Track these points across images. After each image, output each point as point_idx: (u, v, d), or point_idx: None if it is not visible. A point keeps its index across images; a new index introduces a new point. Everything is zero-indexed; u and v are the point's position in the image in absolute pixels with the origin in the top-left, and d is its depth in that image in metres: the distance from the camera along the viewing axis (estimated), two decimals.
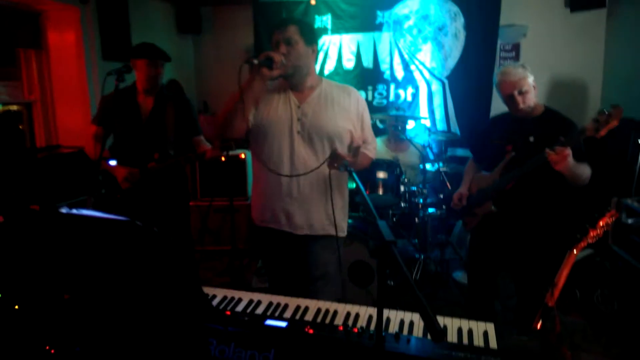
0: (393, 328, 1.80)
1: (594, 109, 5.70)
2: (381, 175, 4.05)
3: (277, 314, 1.93)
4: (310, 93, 2.56)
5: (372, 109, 5.84)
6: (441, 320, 1.83)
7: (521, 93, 2.79)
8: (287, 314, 1.93)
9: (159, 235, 1.42)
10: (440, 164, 4.63)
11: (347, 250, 3.71)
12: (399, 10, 5.93)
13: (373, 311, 1.91)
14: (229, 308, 1.97)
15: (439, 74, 5.99)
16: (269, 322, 1.79)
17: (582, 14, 5.59)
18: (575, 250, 2.31)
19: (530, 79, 2.80)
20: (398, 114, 4.66)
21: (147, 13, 5.94)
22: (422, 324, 1.79)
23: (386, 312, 1.87)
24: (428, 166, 4.61)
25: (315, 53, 2.57)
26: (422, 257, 4.48)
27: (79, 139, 4.83)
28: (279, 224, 2.61)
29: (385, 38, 6.01)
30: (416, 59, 6.01)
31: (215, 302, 2.01)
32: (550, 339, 2.19)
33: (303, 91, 2.57)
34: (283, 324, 1.77)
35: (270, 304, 2.00)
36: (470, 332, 1.76)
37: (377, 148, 2.85)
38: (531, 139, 2.82)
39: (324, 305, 1.99)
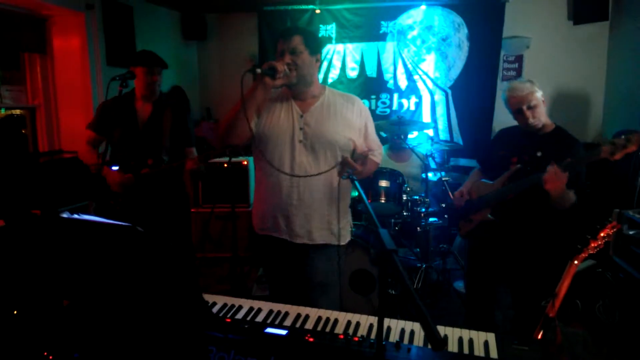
0: (394, 337, 1.79)
1: (597, 121, 5.73)
2: (383, 183, 4.05)
3: (277, 321, 1.92)
4: (313, 102, 2.56)
5: (375, 117, 5.81)
6: (442, 329, 1.82)
7: (530, 108, 2.78)
8: (288, 322, 1.92)
9: (159, 242, 1.42)
10: (443, 174, 4.63)
11: (349, 258, 3.71)
12: (403, 20, 5.96)
13: (374, 320, 1.91)
14: (229, 315, 1.96)
15: (442, 84, 6.00)
16: (269, 330, 1.78)
17: (585, 27, 5.62)
18: (576, 260, 2.30)
19: (539, 94, 2.79)
20: (400, 123, 4.66)
21: (153, 19, 5.98)
22: (422, 333, 1.78)
23: (387, 321, 1.86)
24: (430, 175, 4.61)
25: (319, 62, 2.58)
26: (424, 266, 4.47)
27: (81, 144, 4.85)
28: (278, 232, 2.60)
29: (389, 48, 6.04)
30: (420, 68, 6.03)
31: (215, 310, 2.00)
32: (551, 349, 2.18)
33: (306, 100, 2.57)
34: (283, 332, 1.76)
35: (271, 311, 1.99)
36: (471, 341, 1.76)
37: (382, 155, 2.86)
38: (539, 153, 2.81)
39: (324, 313, 1.98)
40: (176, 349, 1.58)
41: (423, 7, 5.85)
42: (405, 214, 4.27)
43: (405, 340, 1.77)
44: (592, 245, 2.30)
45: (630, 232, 3.43)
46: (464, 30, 5.82)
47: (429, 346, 1.66)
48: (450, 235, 5.05)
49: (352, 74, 6.19)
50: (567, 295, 2.29)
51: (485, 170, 3.26)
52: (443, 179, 4.54)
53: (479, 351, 1.70)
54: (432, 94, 6.06)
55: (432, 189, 4.66)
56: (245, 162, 5.40)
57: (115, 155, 3.47)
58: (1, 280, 1.73)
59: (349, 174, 2.18)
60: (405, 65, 6.06)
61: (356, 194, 1.99)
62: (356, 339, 1.69)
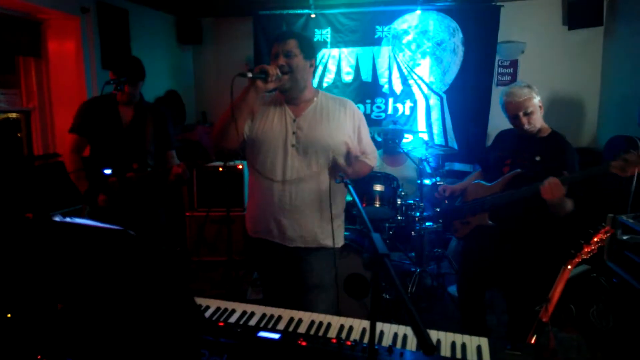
0: (387, 341, 1.79)
1: (591, 126, 5.76)
2: (378, 188, 4.05)
3: (270, 325, 1.91)
4: (306, 106, 2.57)
5: (370, 122, 5.86)
6: (435, 334, 1.82)
7: (526, 114, 2.79)
8: (281, 325, 1.92)
9: (150, 246, 1.42)
10: (438, 178, 4.64)
11: (343, 262, 3.71)
12: (398, 25, 5.97)
13: (367, 324, 1.90)
14: (222, 319, 1.95)
15: (437, 88, 6.02)
16: (262, 333, 1.77)
17: (579, 32, 5.65)
18: (569, 265, 2.31)
19: (536, 100, 2.80)
20: (395, 128, 4.68)
21: (148, 23, 5.98)
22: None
23: (380, 325, 1.86)
24: (426, 180, 4.62)
25: (313, 67, 2.59)
26: (418, 270, 4.47)
27: (66, 152, 4.84)
28: (271, 236, 2.61)
29: (384, 52, 6.06)
30: (414, 73, 6.05)
31: (208, 313, 2.00)
32: (545, 354, 2.18)
33: (299, 104, 2.58)
34: (276, 335, 1.76)
35: (264, 315, 1.99)
36: (463, 346, 1.76)
37: (377, 159, 2.86)
38: (537, 158, 2.82)
39: (317, 317, 1.98)
40: (168, 353, 1.57)
41: (418, 11, 5.87)
42: (399, 218, 4.28)
43: (399, 345, 1.77)
44: (586, 250, 2.31)
45: (624, 237, 3.44)
46: (459, 35, 5.85)
47: None
48: (444, 239, 5.06)
49: (347, 78, 6.20)
50: (561, 300, 2.30)
51: (485, 174, 3.27)
52: (438, 183, 4.54)
53: (471, 356, 1.70)
54: (427, 99, 6.07)
55: (426, 193, 4.66)
56: (240, 166, 5.39)
57: (97, 158, 3.45)
58: None
59: (342, 178, 2.18)
60: (400, 69, 6.07)
61: (350, 198, 1.99)
62: (349, 343, 1.68)
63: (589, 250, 2.32)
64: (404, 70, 6.06)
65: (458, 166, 6.01)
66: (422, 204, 4.38)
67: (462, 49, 5.86)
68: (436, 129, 6.10)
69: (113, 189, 3.32)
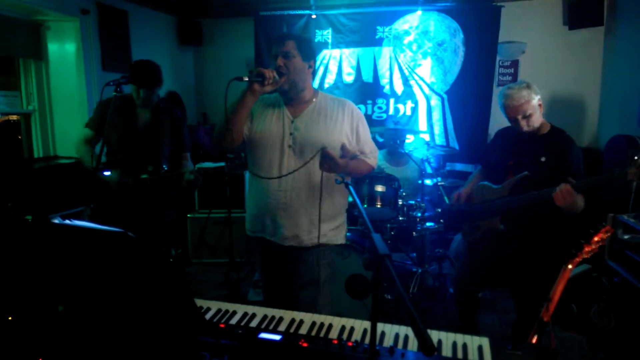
0: (388, 342, 1.79)
1: (592, 126, 5.76)
2: (379, 188, 4.04)
3: (271, 327, 1.91)
4: (305, 107, 2.59)
5: (372, 122, 5.86)
6: (436, 334, 1.82)
7: (525, 117, 2.77)
8: (282, 327, 1.91)
9: (151, 248, 1.42)
10: (439, 179, 4.63)
11: (345, 262, 3.71)
12: (399, 25, 5.97)
13: (368, 325, 1.90)
14: (223, 321, 1.95)
15: (438, 89, 6.02)
16: (263, 335, 1.77)
17: (580, 32, 5.64)
18: (570, 265, 2.31)
19: (535, 100, 2.76)
20: (396, 128, 4.67)
21: (148, 24, 5.98)
22: None
23: (381, 326, 1.86)
24: (427, 181, 4.61)
25: (313, 69, 2.59)
26: (420, 271, 4.46)
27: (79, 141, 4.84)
28: (267, 234, 2.64)
29: (385, 53, 6.05)
30: (415, 73, 6.04)
31: (209, 315, 2.00)
32: (546, 354, 2.18)
33: (298, 105, 2.59)
34: (277, 337, 1.76)
35: (265, 317, 1.99)
36: (464, 346, 1.75)
37: (377, 159, 2.85)
38: (543, 159, 2.81)
39: (319, 318, 1.98)
40: (169, 355, 1.57)
41: (419, 12, 5.86)
42: (401, 218, 4.27)
43: (400, 345, 1.76)
44: (587, 249, 2.31)
45: (625, 237, 3.43)
46: (460, 36, 5.84)
47: None
48: (446, 240, 5.05)
49: (349, 79, 6.19)
50: (563, 300, 2.29)
51: (487, 173, 3.25)
52: (439, 183, 4.54)
53: (472, 356, 1.70)
54: (428, 99, 6.07)
55: (428, 193, 4.66)
56: None
57: (112, 158, 3.47)
58: None
59: (343, 179, 2.18)
60: (401, 70, 6.07)
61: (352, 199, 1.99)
62: (350, 343, 1.68)
63: (590, 249, 2.32)
64: (405, 71, 6.05)
65: (459, 166, 6.01)
66: (423, 204, 4.37)
67: (462, 49, 5.86)
68: (437, 129, 6.10)
69: (120, 190, 3.34)
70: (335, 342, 1.71)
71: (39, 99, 4.92)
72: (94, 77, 4.99)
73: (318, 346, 1.70)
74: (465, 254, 3.40)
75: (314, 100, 2.61)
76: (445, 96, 6.02)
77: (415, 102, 6.10)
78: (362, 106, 6.10)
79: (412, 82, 6.06)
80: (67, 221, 1.47)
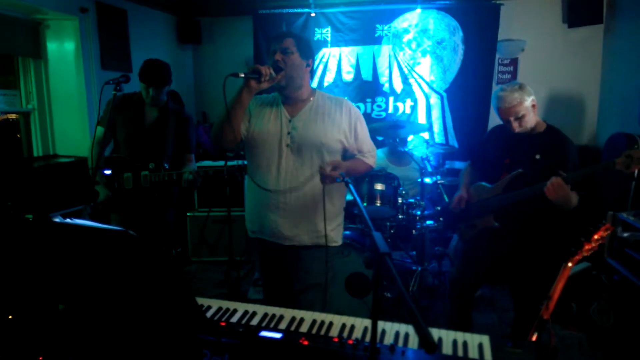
0: (388, 340, 1.79)
1: (591, 124, 5.75)
2: (379, 187, 4.04)
3: (272, 325, 1.91)
4: (302, 106, 2.58)
5: (371, 121, 5.86)
6: (436, 332, 1.82)
7: (517, 118, 2.78)
8: (282, 325, 1.91)
9: (151, 246, 1.42)
10: (438, 177, 4.63)
11: (344, 261, 3.71)
12: (399, 23, 5.96)
13: (369, 323, 1.90)
14: (223, 319, 1.95)
15: (437, 87, 6.02)
16: (264, 333, 1.77)
17: (579, 30, 5.64)
18: (570, 263, 2.31)
19: (528, 101, 2.77)
20: (397, 127, 4.67)
21: (147, 23, 5.97)
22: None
23: (382, 324, 1.86)
24: (426, 179, 4.61)
25: (311, 68, 2.59)
26: (420, 269, 4.46)
27: (76, 148, 4.84)
28: (267, 235, 2.63)
29: (384, 51, 6.05)
30: (415, 72, 6.04)
31: (210, 314, 2.00)
32: (545, 352, 2.18)
33: (296, 104, 2.59)
34: (278, 335, 1.76)
35: (266, 315, 1.99)
36: (465, 344, 1.75)
37: (377, 159, 2.85)
38: (537, 156, 2.81)
39: (319, 316, 1.98)
40: (170, 353, 1.57)
41: (418, 10, 5.85)
42: (400, 217, 4.27)
43: (400, 343, 1.76)
44: (586, 247, 2.31)
45: (625, 235, 3.44)
46: (459, 34, 5.84)
47: None
48: (445, 238, 5.06)
49: (348, 77, 6.19)
50: (562, 298, 2.29)
51: (477, 169, 3.27)
52: (439, 182, 4.55)
53: (473, 354, 1.70)
54: (427, 97, 6.07)
55: (427, 192, 4.66)
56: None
57: (118, 154, 3.51)
58: None
59: (343, 177, 2.18)
60: (400, 68, 6.06)
61: (351, 197, 1.99)
62: (350, 342, 1.68)
63: (590, 247, 2.31)
64: (405, 69, 6.05)
65: (458, 164, 5.99)
66: (422, 202, 4.38)
67: (462, 47, 5.86)
68: (437, 127, 6.10)
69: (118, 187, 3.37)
70: (336, 340, 1.71)
71: (39, 98, 4.92)
72: (93, 76, 4.99)
73: (319, 344, 1.70)
74: (460, 253, 3.41)
75: (311, 99, 2.60)
76: (444, 94, 6.02)
77: (415, 101, 6.10)
78: (361, 104, 6.10)
79: (411, 80, 6.06)
80: (68, 220, 1.47)
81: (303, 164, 2.51)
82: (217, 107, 6.81)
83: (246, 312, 2.02)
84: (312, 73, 2.64)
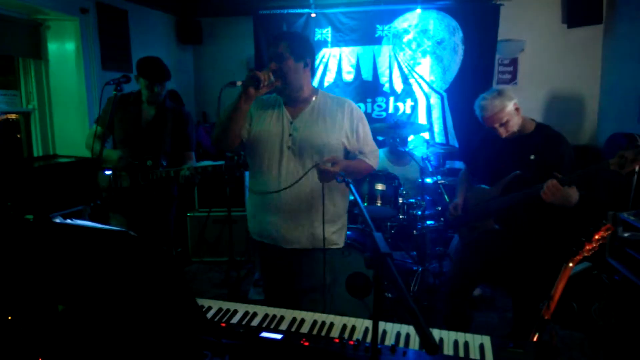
0: (389, 340, 1.79)
1: (591, 124, 5.76)
2: (379, 187, 4.04)
3: (272, 326, 1.91)
4: (304, 107, 2.57)
5: (371, 121, 5.84)
6: (437, 332, 1.82)
7: (502, 124, 2.80)
8: (283, 326, 1.91)
9: (152, 246, 1.42)
10: (439, 177, 4.63)
11: (345, 261, 3.71)
12: (399, 24, 5.96)
13: (369, 323, 1.90)
14: (224, 320, 1.95)
15: (437, 87, 6.02)
16: (265, 334, 1.77)
17: (578, 30, 5.64)
18: (571, 263, 2.31)
19: (510, 106, 2.78)
20: (397, 126, 4.67)
21: (148, 23, 5.98)
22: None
23: (382, 325, 1.86)
24: (427, 179, 4.61)
25: (309, 67, 2.56)
26: (420, 269, 4.46)
27: (76, 148, 4.83)
28: (268, 238, 2.62)
29: (384, 51, 6.04)
30: (415, 72, 6.04)
31: (210, 314, 2.00)
32: (547, 352, 2.18)
33: (297, 106, 2.57)
34: (278, 336, 1.76)
35: (266, 316, 1.99)
36: (466, 344, 1.75)
37: (379, 158, 2.84)
38: (532, 157, 2.81)
39: (320, 317, 1.98)
40: (170, 354, 1.57)
41: (418, 10, 5.85)
42: (401, 217, 4.27)
43: (401, 344, 1.76)
44: (587, 247, 2.31)
45: (625, 235, 3.44)
46: (459, 34, 5.84)
47: None
48: (446, 238, 5.06)
49: (348, 77, 6.19)
50: (563, 298, 2.29)
51: (473, 172, 3.27)
52: (439, 182, 4.55)
53: (474, 354, 1.70)
54: (427, 97, 6.07)
55: (428, 192, 4.66)
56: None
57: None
58: None
59: (343, 177, 2.17)
60: (400, 68, 6.06)
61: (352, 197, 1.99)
62: (352, 342, 1.69)
63: (590, 247, 2.31)
64: (405, 69, 6.05)
65: (459, 164, 5.99)
66: (423, 202, 4.38)
67: (462, 47, 5.85)
68: (437, 127, 6.10)
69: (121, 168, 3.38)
70: (337, 341, 1.71)
71: (39, 98, 4.92)
72: (93, 76, 4.98)
73: (319, 345, 1.70)
74: (459, 253, 3.41)
75: (313, 99, 2.58)
76: (444, 94, 6.02)
77: (415, 101, 6.10)
78: (361, 105, 6.09)
79: (411, 80, 6.06)
80: (68, 220, 1.47)
81: (304, 166, 2.49)
82: (217, 107, 6.81)
83: (247, 312, 2.02)
84: (313, 72, 2.62)
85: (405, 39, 5.99)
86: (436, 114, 6.08)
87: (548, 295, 2.30)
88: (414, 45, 5.99)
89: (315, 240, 2.57)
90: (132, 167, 3.41)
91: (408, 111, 6.12)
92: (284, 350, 1.69)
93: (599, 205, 3.91)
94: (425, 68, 6.01)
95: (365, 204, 3.93)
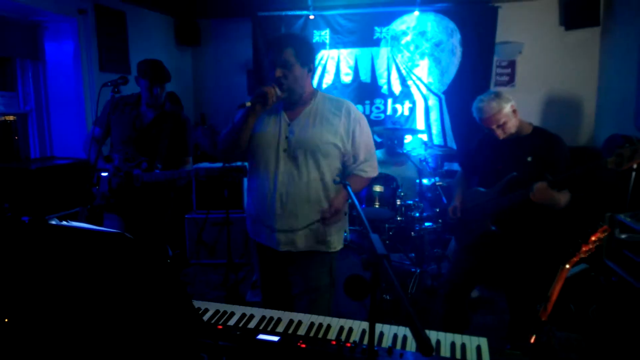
0: (386, 342, 1.79)
1: (589, 126, 5.76)
2: (378, 189, 4.05)
3: (269, 328, 1.91)
4: (302, 110, 2.55)
5: (370, 123, 5.83)
6: (434, 334, 1.82)
7: (500, 126, 2.81)
8: (280, 328, 1.91)
9: (148, 249, 1.41)
10: (437, 178, 4.64)
11: (343, 263, 3.71)
12: (397, 26, 5.97)
13: (366, 325, 1.90)
14: (221, 322, 1.95)
15: (435, 89, 6.02)
16: (261, 336, 1.77)
17: (576, 32, 5.66)
18: (567, 265, 2.30)
19: (507, 108, 2.79)
20: (395, 128, 4.68)
21: (146, 25, 5.97)
22: None
23: (380, 327, 1.86)
24: (425, 180, 4.62)
25: (312, 71, 2.55)
26: (418, 271, 4.46)
27: (73, 150, 4.83)
28: (264, 240, 2.62)
29: (383, 53, 6.05)
30: (413, 74, 6.05)
31: (207, 317, 2.00)
32: (544, 353, 2.18)
33: (296, 108, 2.56)
34: (275, 338, 1.76)
35: (263, 318, 1.99)
36: (463, 346, 1.75)
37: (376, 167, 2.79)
38: (529, 158, 2.82)
39: (317, 319, 1.98)
40: (168, 357, 1.57)
41: (416, 12, 5.86)
42: (399, 218, 4.27)
43: (398, 346, 1.76)
44: (584, 249, 2.31)
45: (622, 236, 3.45)
46: (457, 36, 5.85)
47: None
48: (444, 239, 5.06)
49: (346, 79, 6.19)
50: (560, 299, 2.29)
51: (469, 175, 3.28)
52: (437, 183, 4.55)
53: (471, 356, 1.70)
54: (425, 99, 6.08)
55: (426, 193, 4.66)
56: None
57: (114, 152, 3.52)
58: None
59: (340, 179, 2.17)
60: (399, 70, 6.07)
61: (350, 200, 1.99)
62: (348, 344, 1.68)
63: (588, 249, 2.31)
64: (403, 71, 6.06)
65: (457, 166, 6.00)
66: (421, 204, 4.38)
67: (460, 49, 5.86)
68: (435, 129, 6.11)
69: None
70: (334, 342, 1.71)
71: (36, 100, 4.92)
72: (91, 78, 4.99)
73: (316, 347, 1.70)
74: (456, 255, 3.41)
75: (311, 101, 2.56)
76: (442, 96, 6.02)
77: (413, 103, 6.10)
78: (360, 106, 6.10)
79: (409, 82, 6.07)
80: (65, 222, 1.47)
81: (299, 169, 2.48)
82: (216, 109, 6.81)
83: (244, 315, 2.02)
84: (312, 73, 2.60)
85: (404, 41, 6.00)
86: (434, 115, 6.09)
87: (545, 297, 2.30)
88: (412, 47, 6.00)
89: (312, 243, 2.57)
90: (128, 169, 3.40)
91: (406, 113, 6.13)
92: (281, 353, 1.69)
93: (597, 206, 3.91)
94: (423, 70, 6.02)
95: (363, 206, 3.93)
